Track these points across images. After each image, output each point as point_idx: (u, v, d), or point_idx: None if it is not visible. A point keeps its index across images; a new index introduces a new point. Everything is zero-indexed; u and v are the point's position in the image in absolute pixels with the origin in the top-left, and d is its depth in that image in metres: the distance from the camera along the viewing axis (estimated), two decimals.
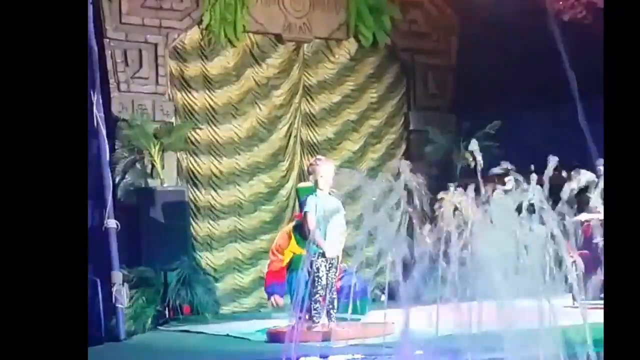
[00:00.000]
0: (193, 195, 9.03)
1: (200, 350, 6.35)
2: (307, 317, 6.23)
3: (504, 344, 3.57)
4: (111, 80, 8.61)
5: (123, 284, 7.30)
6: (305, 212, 6.31)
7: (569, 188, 3.72)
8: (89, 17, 7.41)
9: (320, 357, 4.92)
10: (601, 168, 4.35)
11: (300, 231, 6.96)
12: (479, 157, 3.86)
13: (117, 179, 8.27)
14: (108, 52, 8.61)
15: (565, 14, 9.30)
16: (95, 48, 7.59)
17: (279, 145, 9.61)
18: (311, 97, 9.96)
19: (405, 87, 10.49)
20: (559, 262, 3.70)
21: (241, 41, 9.31)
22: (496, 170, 3.82)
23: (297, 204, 8.49)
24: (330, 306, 6.25)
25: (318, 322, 6.20)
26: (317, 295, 6.20)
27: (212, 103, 9.23)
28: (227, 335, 6.99)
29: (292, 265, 6.88)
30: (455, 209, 3.74)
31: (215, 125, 9.23)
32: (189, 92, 9.14)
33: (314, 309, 6.21)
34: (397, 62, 10.43)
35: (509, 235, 3.69)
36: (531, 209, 3.74)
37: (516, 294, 3.63)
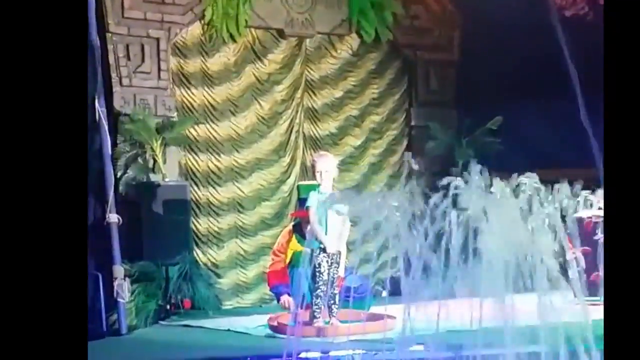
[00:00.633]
0: (193, 192, 9.03)
1: (202, 345, 6.37)
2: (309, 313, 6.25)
3: (504, 340, 3.57)
4: (113, 75, 8.61)
5: (124, 279, 7.31)
6: (308, 207, 6.31)
7: (571, 189, 3.72)
8: (90, 12, 7.41)
9: (321, 352, 4.93)
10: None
11: (300, 229, 6.97)
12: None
13: (119, 174, 8.28)
14: (110, 47, 8.60)
15: (568, 10, 9.30)
16: (98, 42, 7.59)
17: (280, 141, 9.62)
18: (313, 92, 9.96)
19: (407, 83, 10.49)
20: (560, 258, 3.71)
21: (243, 36, 9.31)
22: None
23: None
24: (332, 301, 6.26)
25: (319, 317, 6.21)
26: (319, 291, 6.21)
27: (211, 100, 9.23)
28: (228, 330, 7.00)
29: (293, 262, 6.89)
30: (456, 204, 3.75)
31: (214, 122, 9.24)
32: (189, 89, 9.14)
33: (315, 304, 6.22)
34: (399, 57, 10.43)
35: (511, 232, 3.70)
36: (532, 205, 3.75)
37: (517, 290, 3.64)
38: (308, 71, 9.92)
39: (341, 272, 6.47)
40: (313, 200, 6.28)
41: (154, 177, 8.60)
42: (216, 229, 9.16)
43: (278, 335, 6.21)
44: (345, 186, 9.42)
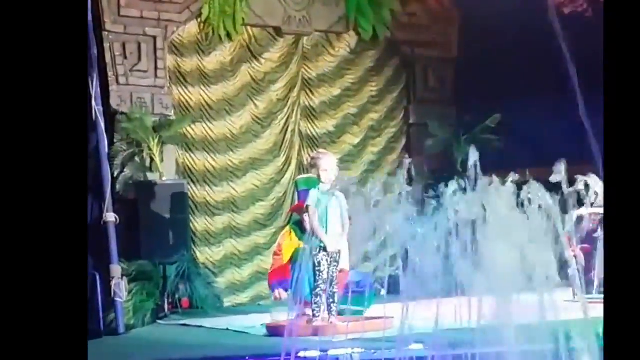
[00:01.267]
0: (191, 191, 9.01)
1: (200, 344, 6.34)
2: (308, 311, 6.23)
3: (503, 338, 3.56)
4: (110, 73, 8.59)
5: (122, 278, 7.28)
6: (307, 206, 6.28)
7: (572, 189, 3.71)
8: (87, 10, 7.38)
9: (320, 351, 4.91)
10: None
11: (300, 225, 6.93)
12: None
13: (116, 173, 8.25)
14: (106, 45, 8.58)
15: (566, 7, 9.28)
16: (94, 41, 7.56)
17: (275, 141, 9.60)
18: (311, 91, 9.94)
19: (405, 80, 10.48)
20: (560, 256, 3.69)
21: (239, 35, 9.29)
22: None
23: (295, 198, 8.49)
24: (331, 300, 6.23)
25: (318, 316, 6.19)
26: (318, 289, 6.19)
27: (207, 99, 9.21)
28: (227, 329, 6.98)
29: (295, 258, 6.83)
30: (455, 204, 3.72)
31: (210, 122, 9.22)
32: (185, 87, 9.12)
33: (315, 303, 6.20)
34: (397, 55, 10.41)
35: (510, 229, 3.68)
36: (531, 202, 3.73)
37: (516, 288, 3.62)
38: (305, 69, 9.89)
39: (346, 266, 6.41)
40: (313, 198, 6.25)
41: (151, 176, 8.57)
42: (213, 228, 9.15)
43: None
44: (343, 185, 9.39)
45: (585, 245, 7.36)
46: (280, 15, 9.52)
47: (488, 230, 3.67)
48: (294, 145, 9.73)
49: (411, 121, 10.47)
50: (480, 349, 3.66)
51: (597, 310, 3.52)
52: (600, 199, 5.99)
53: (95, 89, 7.32)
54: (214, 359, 5.47)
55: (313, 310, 6.22)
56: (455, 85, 10.55)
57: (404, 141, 10.47)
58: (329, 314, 6.24)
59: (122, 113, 8.55)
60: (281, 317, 6.56)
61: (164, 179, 8.53)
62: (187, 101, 9.14)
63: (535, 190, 3.69)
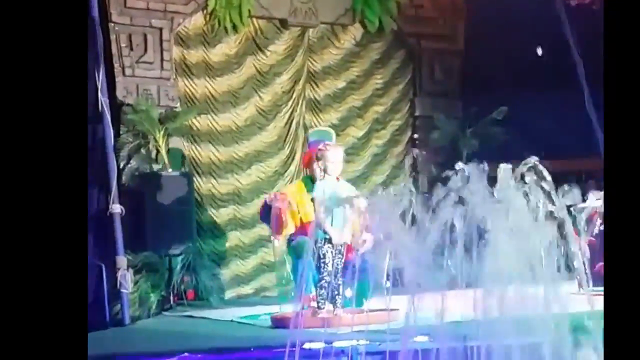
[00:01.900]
0: (195, 183, 9.02)
1: (205, 335, 6.36)
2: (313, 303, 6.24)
3: (509, 331, 3.56)
4: (116, 65, 8.59)
5: (128, 269, 7.31)
6: (313, 198, 6.28)
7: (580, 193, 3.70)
8: (93, 1, 7.39)
9: (325, 342, 4.92)
10: None
11: (311, 177, 6.83)
12: None
13: (121, 164, 8.25)
14: (113, 37, 8.58)
15: None
16: (100, 32, 7.57)
17: (280, 134, 9.59)
18: (316, 83, 9.93)
19: (411, 72, 10.45)
20: (566, 248, 3.69)
21: (245, 27, 9.28)
22: None
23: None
24: (336, 292, 6.24)
25: (323, 308, 6.20)
26: (323, 282, 6.20)
27: (212, 91, 9.21)
28: (232, 320, 7.00)
29: (298, 250, 6.83)
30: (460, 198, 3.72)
31: (215, 114, 9.22)
32: (191, 79, 9.12)
33: (320, 295, 6.21)
34: (404, 47, 10.38)
35: (516, 222, 3.68)
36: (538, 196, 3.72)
37: (522, 280, 3.62)
38: (310, 62, 9.88)
39: (352, 242, 6.37)
40: (319, 190, 6.25)
41: (157, 168, 8.58)
42: (218, 220, 9.16)
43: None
44: (348, 177, 9.40)
45: (592, 238, 7.35)
46: (286, 7, 9.50)
47: (494, 224, 3.67)
48: (299, 138, 9.72)
49: (417, 114, 10.44)
50: (485, 341, 3.67)
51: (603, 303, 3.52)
52: None
53: (101, 81, 7.34)
54: (219, 350, 5.49)
55: (318, 302, 6.23)
56: (462, 77, 10.52)
57: (409, 134, 10.44)
58: (333, 306, 6.25)
59: (128, 104, 8.55)
60: (286, 309, 6.58)
61: (169, 170, 8.54)
62: (192, 93, 9.14)
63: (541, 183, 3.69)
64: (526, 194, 3.70)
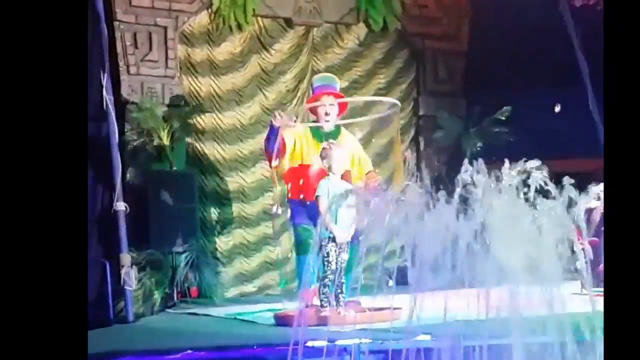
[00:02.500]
0: (200, 181, 9.05)
1: (208, 333, 6.38)
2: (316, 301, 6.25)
3: (511, 331, 3.57)
4: (121, 63, 8.62)
5: (132, 267, 7.33)
6: (317, 196, 6.30)
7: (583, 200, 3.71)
8: (98, 0, 7.41)
9: (328, 341, 4.93)
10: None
11: (317, 128, 6.91)
12: None
13: (126, 162, 8.28)
14: (118, 35, 8.61)
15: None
16: (105, 31, 7.59)
17: None
18: None
19: (414, 72, 10.46)
20: (568, 248, 3.70)
21: (250, 25, 9.30)
22: None
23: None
24: (339, 290, 6.26)
25: (326, 306, 6.22)
26: (326, 280, 6.21)
27: (217, 89, 9.23)
28: (235, 318, 7.02)
29: (301, 248, 6.86)
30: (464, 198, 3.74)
31: (220, 112, 9.24)
32: (196, 78, 9.14)
33: (323, 294, 6.22)
34: (407, 47, 10.39)
35: (518, 221, 3.69)
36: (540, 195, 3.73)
37: (525, 280, 3.63)
38: (315, 61, 9.89)
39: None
40: (323, 188, 6.27)
41: (161, 166, 8.61)
42: (222, 217, 9.18)
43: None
44: None
45: (594, 238, 7.36)
46: (291, 6, 9.52)
47: (495, 223, 3.68)
48: None
49: (420, 113, 10.45)
50: (488, 340, 3.68)
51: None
52: None
53: (106, 79, 7.36)
54: (222, 348, 5.50)
55: (321, 301, 6.24)
56: (465, 77, 10.53)
57: (412, 133, 10.46)
58: (336, 304, 6.26)
59: (133, 103, 8.59)
60: (290, 307, 6.60)
61: (173, 168, 8.56)
62: (197, 91, 9.17)
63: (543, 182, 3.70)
64: (529, 194, 3.71)
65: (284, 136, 6.80)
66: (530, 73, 9.63)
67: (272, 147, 6.76)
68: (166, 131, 8.51)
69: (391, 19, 10.03)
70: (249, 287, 9.23)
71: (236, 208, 9.29)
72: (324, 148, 6.51)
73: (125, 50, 8.68)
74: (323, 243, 6.11)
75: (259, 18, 9.42)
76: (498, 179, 3.69)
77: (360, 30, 10.07)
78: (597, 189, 3.70)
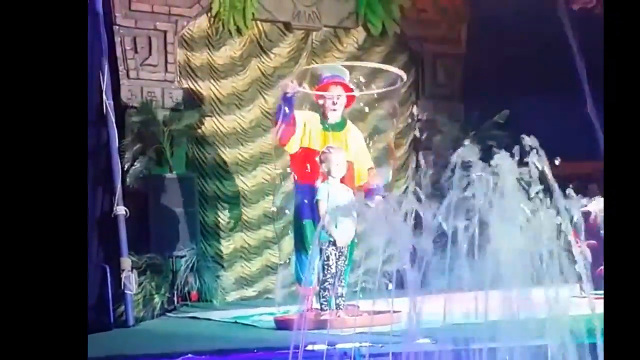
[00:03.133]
0: (200, 184, 9.05)
1: (208, 337, 6.39)
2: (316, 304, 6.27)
3: (510, 334, 3.58)
4: (120, 68, 8.63)
5: (132, 271, 7.34)
6: (317, 200, 6.31)
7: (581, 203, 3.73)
8: (98, 4, 7.43)
9: (328, 344, 4.95)
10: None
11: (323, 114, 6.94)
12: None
13: (126, 166, 8.29)
14: (117, 39, 8.62)
15: (575, 3, 9.28)
16: (105, 35, 7.61)
17: None
18: None
19: (413, 76, 10.47)
20: (567, 251, 3.71)
21: (249, 30, 9.31)
22: None
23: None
24: (339, 294, 6.27)
25: (326, 309, 6.23)
26: (326, 284, 6.23)
27: (217, 93, 9.24)
28: (235, 322, 7.03)
29: (303, 245, 6.84)
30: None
31: (220, 116, 9.25)
32: (195, 82, 9.15)
33: (323, 297, 6.24)
34: (406, 51, 10.40)
35: (517, 224, 3.70)
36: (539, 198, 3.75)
37: (523, 283, 3.64)
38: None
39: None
40: (323, 193, 6.28)
41: (161, 170, 8.61)
42: (222, 221, 9.19)
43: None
44: None
45: (592, 241, 7.36)
46: (290, 10, 9.54)
47: (494, 226, 3.69)
48: None
49: (419, 117, 10.46)
50: (487, 343, 3.69)
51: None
52: None
53: (106, 83, 7.38)
54: (222, 352, 5.51)
55: (321, 304, 6.26)
56: (464, 81, 10.54)
57: (411, 137, 10.47)
58: (336, 307, 6.28)
59: (133, 107, 8.59)
60: (290, 310, 6.62)
61: (173, 172, 8.57)
62: (197, 95, 9.17)
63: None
64: (528, 197, 3.73)
65: (295, 116, 6.85)
66: (528, 77, 9.65)
67: (285, 118, 6.79)
68: (166, 135, 8.52)
69: (390, 23, 10.05)
70: (250, 291, 9.23)
71: (237, 212, 9.30)
72: (323, 152, 6.53)
73: (124, 55, 8.69)
74: (323, 247, 6.12)
75: (258, 22, 9.43)
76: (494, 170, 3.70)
77: (359, 34, 10.09)
78: (595, 193, 3.72)
